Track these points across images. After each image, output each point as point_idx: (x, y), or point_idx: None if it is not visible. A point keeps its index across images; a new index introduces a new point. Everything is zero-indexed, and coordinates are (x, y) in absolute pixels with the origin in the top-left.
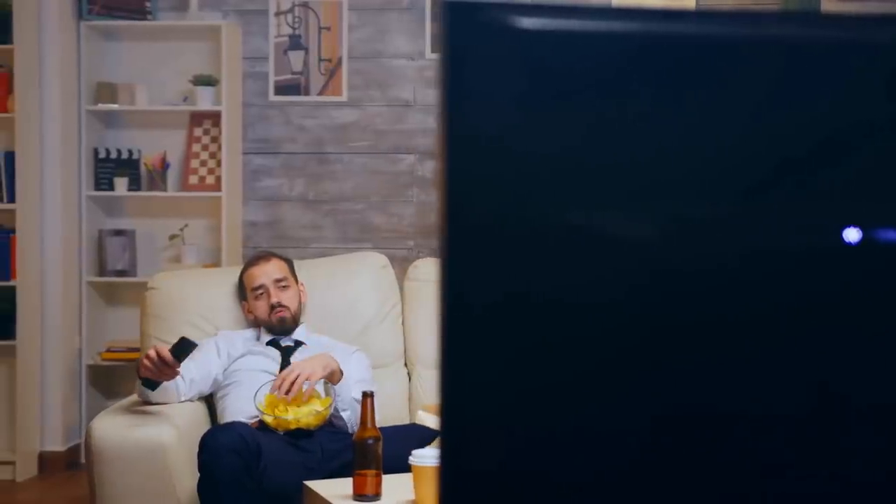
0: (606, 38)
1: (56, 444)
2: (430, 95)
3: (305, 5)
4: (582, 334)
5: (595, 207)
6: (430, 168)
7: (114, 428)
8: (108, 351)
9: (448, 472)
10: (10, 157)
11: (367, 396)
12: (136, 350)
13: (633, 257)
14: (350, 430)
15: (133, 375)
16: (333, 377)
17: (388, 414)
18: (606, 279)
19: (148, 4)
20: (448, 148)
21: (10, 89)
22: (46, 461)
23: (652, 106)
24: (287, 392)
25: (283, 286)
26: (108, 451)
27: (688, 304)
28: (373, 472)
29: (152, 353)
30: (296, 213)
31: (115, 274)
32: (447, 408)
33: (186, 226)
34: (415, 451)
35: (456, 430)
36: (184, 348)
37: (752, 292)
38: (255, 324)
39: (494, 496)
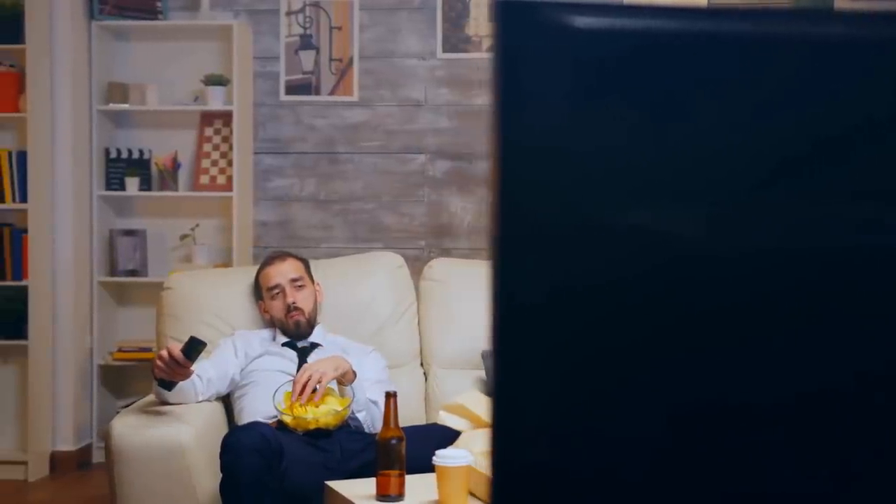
0: (656, 36)
1: (67, 444)
2: (441, 95)
3: (316, 5)
4: (627, 328)
5: (644, 205)
6: (441, 168)
7: (133, 428)
8: (120, 351)
9: (500, 463)
10: (21, 157)
11: (391, 397)
12: (148, 350)
13: (680, 253)
14: (367, 431)
15: (145, 375)
16: (346, 378)
17: (405, 414)
18: (654, 275)
19: (159, 4)
20: (501, 146)
21: (21, 89)
22: (58, 461)
23: (701, 104)
24: (301, 393)
25: (299, 286)
26: (127, 451)
27: (732, 298)
28: (396, 472)
29: (164, 353)
30: (306, 212)
31: (125, 274)
32: (499, 400)
33: (197, 225)
34: (439, 452)
35: (507, 422)
36: (194, 347)
37: (796, 288)
38: (271, 324)
39: (544, 484)
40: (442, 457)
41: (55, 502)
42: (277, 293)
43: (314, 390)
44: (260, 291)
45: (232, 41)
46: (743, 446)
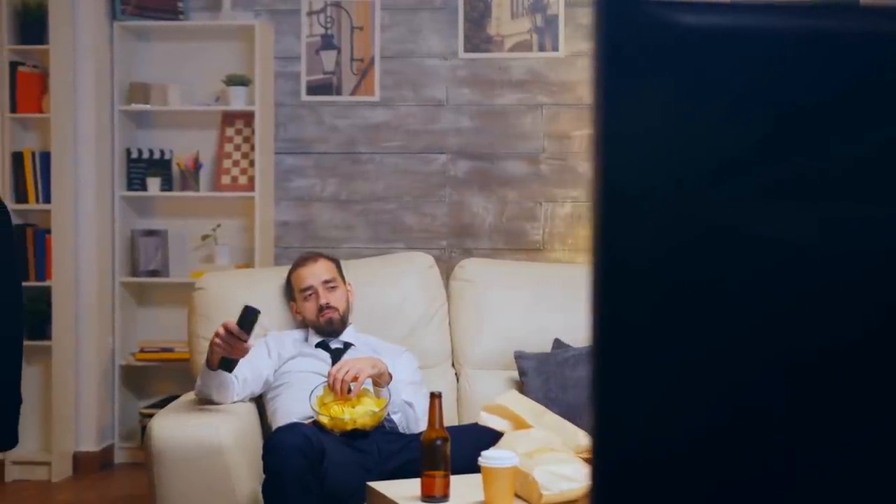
0: (763, 34)
1: (90, 445)
2: (463, 95)
3: (338, 5)
4: (729, 292)
5: (746, 201)
6: (462, 168)
7: (173, 428)
8: (142, 351)
9: (602, 437)
10: (45, 158)
11: (436, 397)
12: (170, 350)
13: (784, 260)
14: (401, 432)
15: (167, 375)
16: (382, 379)
17: None
18: (752, 281)
19: (180, 4)
20: (602, 144)
21: (45, 90)
22: (80, 461)
23: (807, 103)
24: (340, 389)
25: (332, 287)
26: (167, 450)
27: (838, 274)
28: (441, 472)
29: (220, 329)
30: (328, 213)
31: (147, 274)
32: (601, 366)
33: (219, 226)
34: (484, 453)
35: (610, 399)
36: (249, 317)
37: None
38: (304, 324)
39: (646, 451)
40: (488, 458)
41: (80, 503)
42: (310, 294)
43: (349, 389)
44: (292, 292)
45: (254, 41)
46: (853, 404)
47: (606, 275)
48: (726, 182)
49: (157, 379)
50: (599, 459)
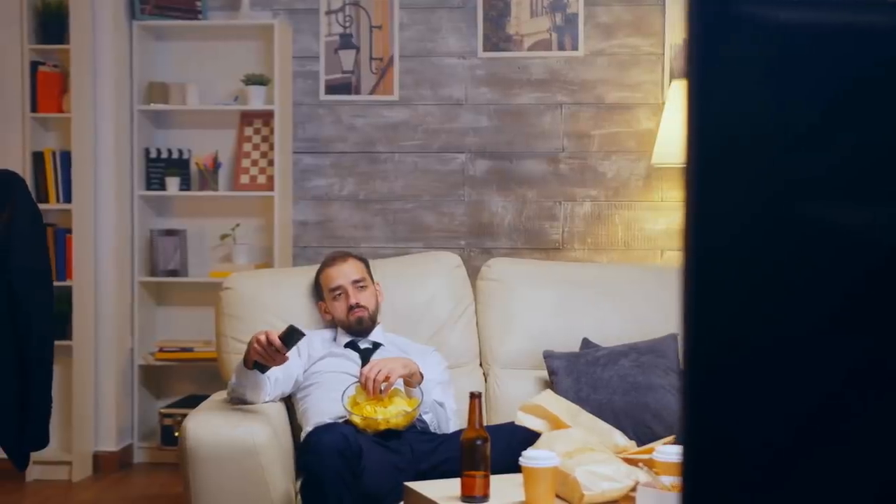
0: (855, 31)
1: (110, 445)
2: (482, 94)
3: (356, 4)
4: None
5: (836, 196)
6: (481, 167)
7: (208, 428)
8: (161, 351)
9: (693, 419)
10: (65, 157)
11: (475, 397)
12: (189, 350)
13: (867, 250)
14: (433, 432)
15: (185, 375)
16: (413, 379)
17: (466, 414)
18: (834, 270)
19: (198, 4)
20: (694, 141)
21: (65, 89)
22: (100, 461)
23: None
24: (372, 389)
25: (361, 286)
26: (202, 450)
27: None
28: (481, 473)
29: (262, 337)
30: (346, 212)
31: (166, 274)
32: (693, 353)
33: (238, 225)
34: (525, 453)
35: (702, 387)
36: (293, 337)
37: None
38: (332, 324)
39: (737, 439)
40: (529, 458)
41: (101, 502)
42: (339, 294)
43: (381, 389)
44: (321, 292)
45: (272, 41)
46: None
47: (698, 261)
48: (814, 177)
49: (175, 379)
50: (692, 446)
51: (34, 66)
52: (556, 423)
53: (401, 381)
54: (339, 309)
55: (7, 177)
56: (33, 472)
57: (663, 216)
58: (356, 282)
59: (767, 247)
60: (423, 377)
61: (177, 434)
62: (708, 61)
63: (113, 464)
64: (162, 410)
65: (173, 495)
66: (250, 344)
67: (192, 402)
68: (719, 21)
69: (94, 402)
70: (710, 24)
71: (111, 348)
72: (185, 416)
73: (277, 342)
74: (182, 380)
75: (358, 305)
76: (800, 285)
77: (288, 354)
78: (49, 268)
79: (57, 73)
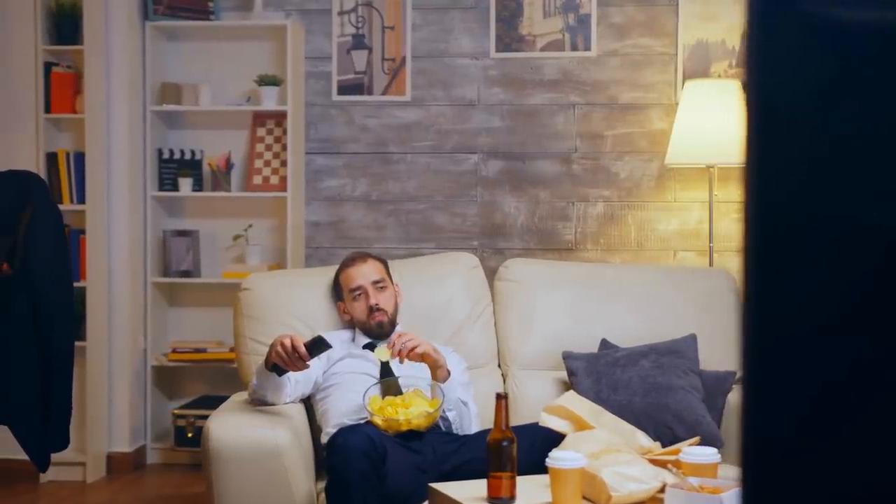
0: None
1: (123, 446)
2: (494, 95)
3: (369, 5)
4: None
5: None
6: (493, 168)
7: (231, 429)
8: (174, 352)
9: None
10: (79, 158)
11: (502, 398)
12: (203, 350)
13: None
14: (455, 431)
15: (197, 376)
16: (439, 371)
17: (486, 415)
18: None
19: (211, 4)
20: (753, 139)
21: (78, 90)
22: (114, 462)
23: None
24: (397, 351)
25: (381, 287)
26: (226, 451)
27: None
28: (508, 474)
29: (287, 342)
30: (358, 213)
31: (178, 275)
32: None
33: (251, 226)
34: (552, 454)
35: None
36: (319, 347)
37: None
38: (351, 324)
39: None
40: (556, 459)
41: (115, 503)
42: (359, 294)
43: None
44: (340, 292)
45: (285, 41)
46: None
47: (759, 260)
48: (876, 180)
49: (187, 379)
50: (751, 433)
51: (48, 66)
52: (580, 424)
53: (423, 383)
54: (358, 309)
55: (27, 178)
56: (48, 473)
57: (676, 216)
58: (376, 282)
59: (831, 245)
60: (450, 374)
61: (190, 435)
62: (767, 58)
63: (126, 465)
64: (175, 411)
65: (188, 496)
66: (273, 346)
67: (205, 402)
68: (780, 17)
69: (107, 402)
70: (770, 19)
71: (124, 349)
72: (198, 416)
73: (303, 349)
74: (195, 380)
75: (378, 308)
76: (864, 282)
77: (309, 363)
78: (69, 269)
79: (70, 74)
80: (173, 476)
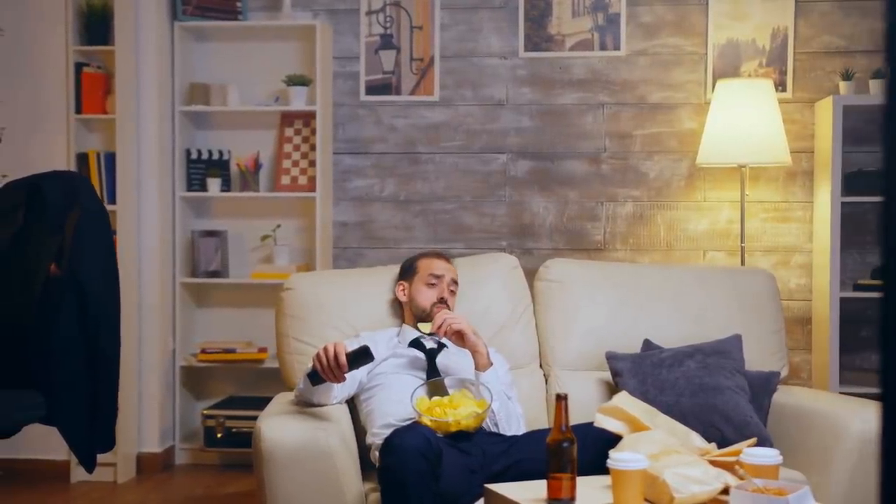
0: None
1: (153, 446)
2: (523, 94)
3: (397, 4)
4: None
5: None
6: (522, 168)
7: (282, 430)
8: (203, 352)
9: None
10: (110, 158)
11: (562, 398)
12: (232, 351)
13: None
14: (501, 426)
15: (225, 376)
16: (479, 359)
17: (530, 416)
18: None
19: (239, 5)
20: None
21: (109, 91)
22: (143, 463)
23: None
24: (440, 328)
25: (452, 290)
26: (278, 452)
27: None
28: (568, 475)
29: (330, 349)
30: (387, 213)
31: (207, 275)
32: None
33: (279, 226)
34: (613, 454)
35: None
36: (362, 358)
37: None
38: (400, 317)
39: None
40: (617, 460)
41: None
42: (436, 283)
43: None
44: (411, 274)
45: (313, 41)
46: None
47: None
48: None
49: (215, 379)
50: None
51: (78, 67)
52: (635, 425)
53: (468, 382)
54: (426, 294)
55: (72, 178)
56: (77, 474)
57: (705, 216)
58: (452, 283)
59: None
60: (492, 364)
61: (219, 435)
62: None
63: (156, 465)
64: (204, 412)
65: (218, 496)
66: (318, 353)
67: (234, 403)
68: None
69: (137, 403)
70: None
71: (153, 350)
72: (227, 417)
73: (343, 360)
74: (223, 381)
75: (444, 301)
76: None
77: (346, 376)
78: (116, 268)
79: (101, 75)
80: (203, 476)
